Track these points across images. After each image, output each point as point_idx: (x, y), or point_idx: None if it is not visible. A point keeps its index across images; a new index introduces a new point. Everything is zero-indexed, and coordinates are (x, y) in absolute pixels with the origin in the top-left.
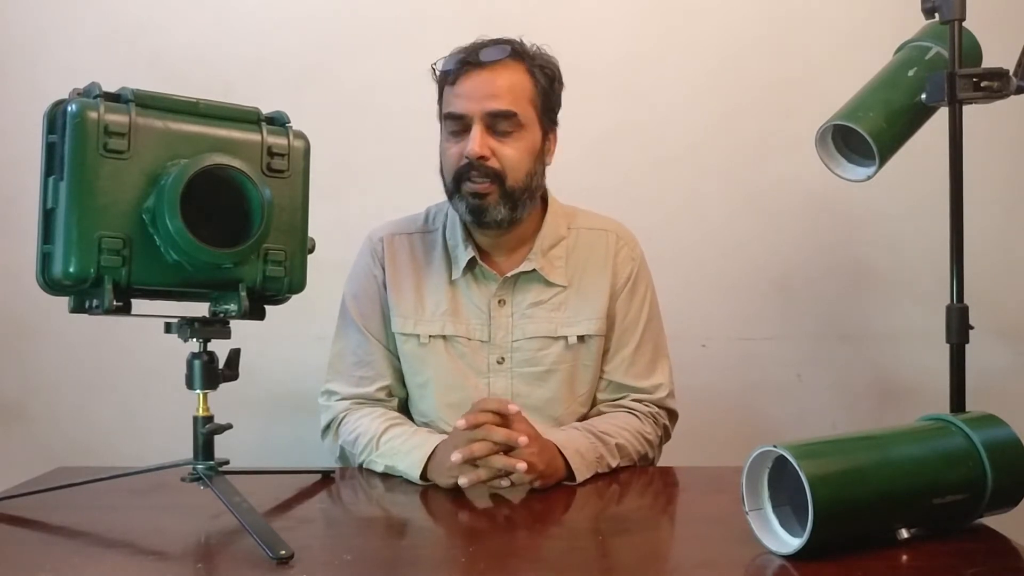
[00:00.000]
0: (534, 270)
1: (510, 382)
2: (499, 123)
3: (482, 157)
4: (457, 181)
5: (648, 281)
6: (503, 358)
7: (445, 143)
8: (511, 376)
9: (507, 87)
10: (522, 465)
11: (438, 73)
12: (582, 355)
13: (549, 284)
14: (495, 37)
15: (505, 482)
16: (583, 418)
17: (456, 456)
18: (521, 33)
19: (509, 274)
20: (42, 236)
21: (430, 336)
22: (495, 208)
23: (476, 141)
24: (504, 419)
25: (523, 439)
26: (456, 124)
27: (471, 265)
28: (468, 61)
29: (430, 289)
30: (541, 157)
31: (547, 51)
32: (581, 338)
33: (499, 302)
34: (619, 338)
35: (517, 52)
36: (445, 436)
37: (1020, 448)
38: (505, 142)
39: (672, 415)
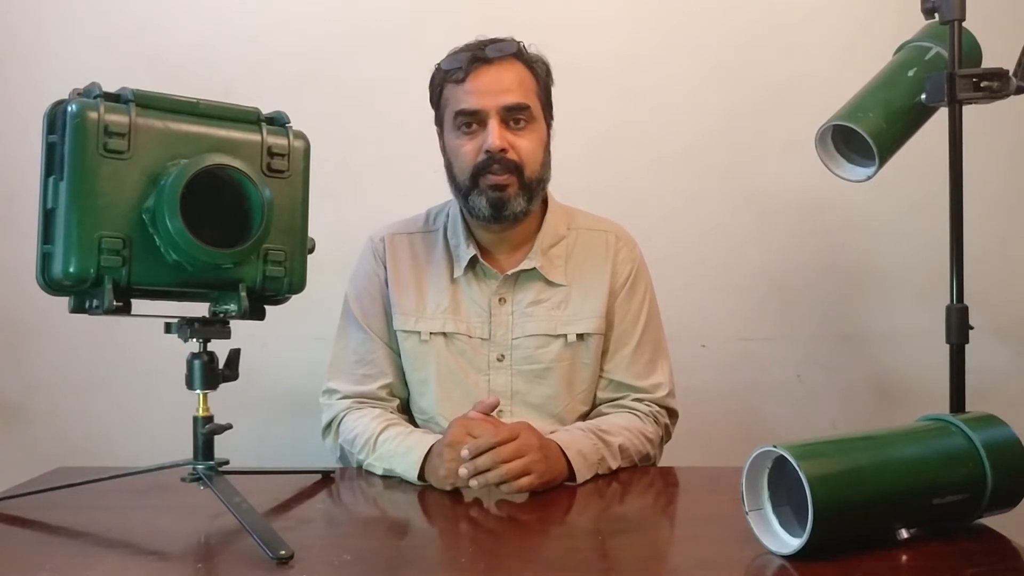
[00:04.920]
0: (534, 268)
1: (510, 379)
2: (514, 116)
3: (502, 150)
4: (475, 177)
5: (647, 282)
6: (503, 355)
7: (456, 141)
8: (511, 373)
9: (517, 81)
10: (526, 480)
11: (443, 72)
12: (581, 353)
13: (549, 283)
14: (490, 37)
15: (505, 487)
16: (584, 417)
17: (463, 471)
18: (521, 33)
19: (509, 272)
20: (42, 236)
21: (431, 333)
22: (515, 200)
23: (495, 134)
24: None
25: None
26: (469, 121)
27: (472, 263)
28: (477, 58)
29: (431, 287)
30: (548, 148)
31: (536, 49)
32: (580, 336)
33: (499, 300)
34: (618, 338)
35: (518, 49)
36: (440, 436)
37: (1020, 448)
38: (520, 134)
39: (673, 414)
